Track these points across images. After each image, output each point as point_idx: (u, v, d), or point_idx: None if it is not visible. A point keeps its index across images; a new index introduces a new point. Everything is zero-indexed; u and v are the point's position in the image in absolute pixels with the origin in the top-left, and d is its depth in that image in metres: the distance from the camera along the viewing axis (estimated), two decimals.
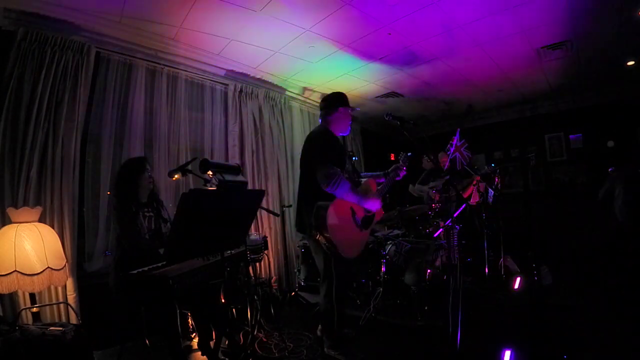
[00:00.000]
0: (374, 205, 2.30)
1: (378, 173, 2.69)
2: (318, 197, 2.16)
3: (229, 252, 2.19)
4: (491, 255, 3.82)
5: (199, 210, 1.63)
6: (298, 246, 4.11)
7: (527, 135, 6.08)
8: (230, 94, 3.87)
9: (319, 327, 2.50)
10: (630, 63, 4.29)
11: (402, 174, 2.58)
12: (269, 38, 3.28)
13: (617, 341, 2.30)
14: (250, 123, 4.00)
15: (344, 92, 2.56)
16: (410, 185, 4.74)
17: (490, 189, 3.87)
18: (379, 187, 2.52)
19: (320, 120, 2.50)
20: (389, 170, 2.60)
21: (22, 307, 2.16)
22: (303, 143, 2.44)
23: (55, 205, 2.45)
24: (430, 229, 3.86)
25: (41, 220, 2.20)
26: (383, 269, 3.19)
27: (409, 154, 2.62)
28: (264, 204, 3.74)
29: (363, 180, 2.55)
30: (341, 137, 2.55)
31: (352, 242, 2.28)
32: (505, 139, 6.36)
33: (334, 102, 2.43)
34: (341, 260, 2.22)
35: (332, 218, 2.11)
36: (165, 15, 2.80)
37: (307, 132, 4.85)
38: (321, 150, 2.23)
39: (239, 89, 3.93)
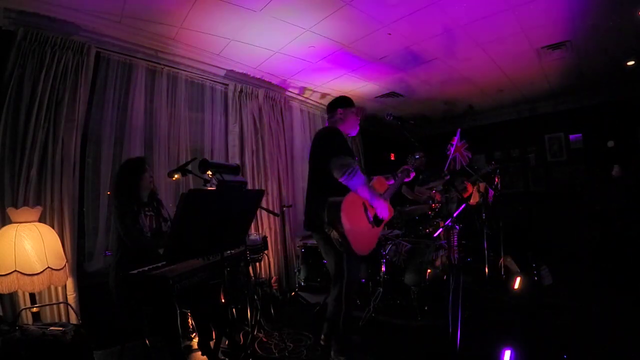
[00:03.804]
0: (383, 208, 2.21)
1: (386, 175, 2.60)
2: (330, 192, 2.11)
3: (229, 252, 2.19)
4: (491, 255, 3.82)
5: (198, 210, 1.63)
6: (298, 246, 4.11)
7: (527, 135, 6.08)
8: (230, 94, 3.87)
9: (322, 335, 2.37)
10: (630, 63, 4.28)
11: (412, 174, 2.53)
12: (269, 38, 3.28)
13: (617, 341, 2.30)
14: (250, 123, 4.00)
15: (344, 92, 2.56)
16: (404, 187, 4.69)
17: (490, 189, 3.87)
18: (388, 189, 2.44)
19: (327, 124, 2.55)
20: (398, 171, 2.53)
21: (22, 307, 2.16)
22: (311, 142, 2.41)
23: (55, 205, 2.45)
24: (430, 229, 3.86)
25: (41, 220, 2.20)
26: (383, 269, 3.18)
27: (417, 156, 2.54)
28: (264, 204, 3.74)
29: (372, 179, 2.46)
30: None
31: (365, 238, 2.21)
32: (505, 139, 6.35)
33: (333, 105, 2.49)
34: (353, 258, 2.16)
35: (345, 211, 2.04)
36: (165, 15, 2.80)
37: (307, 132, 4.93)
38: (335, 143, 2.21)
39: (239, 89, 3.93)
